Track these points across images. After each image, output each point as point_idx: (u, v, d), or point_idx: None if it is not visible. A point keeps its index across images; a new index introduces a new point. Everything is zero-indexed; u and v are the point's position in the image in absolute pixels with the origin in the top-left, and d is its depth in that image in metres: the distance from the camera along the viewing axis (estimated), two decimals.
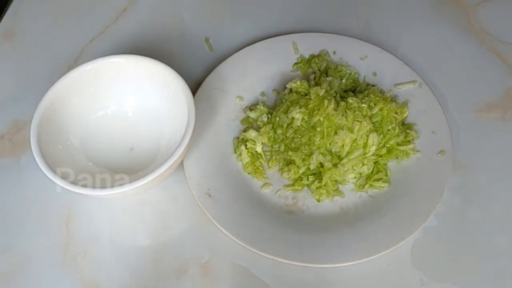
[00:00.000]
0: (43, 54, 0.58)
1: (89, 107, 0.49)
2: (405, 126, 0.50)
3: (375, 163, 0.48)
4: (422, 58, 0.56)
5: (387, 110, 0.48)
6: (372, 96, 0.49)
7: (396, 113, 0.49)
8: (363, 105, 0.48)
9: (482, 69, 0.56)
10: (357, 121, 0.46)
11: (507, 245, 0.45)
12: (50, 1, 0.64)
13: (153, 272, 0.44)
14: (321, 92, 0.48)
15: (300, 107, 0.48)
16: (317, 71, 0.54)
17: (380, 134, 0.48)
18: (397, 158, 0.48)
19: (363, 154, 0.47)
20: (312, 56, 0.55)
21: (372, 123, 0.48)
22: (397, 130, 0.48)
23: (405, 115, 0.50)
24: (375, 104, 0.48)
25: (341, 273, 0.43)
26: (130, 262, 0.45)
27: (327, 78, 0.51)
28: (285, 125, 0.49)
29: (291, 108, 0.49)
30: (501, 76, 0.55)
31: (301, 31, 0.56)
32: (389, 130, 0.48)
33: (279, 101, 0.52)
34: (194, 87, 0.51)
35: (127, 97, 0.50)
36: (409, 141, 0.48)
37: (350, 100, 0.48)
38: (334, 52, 0.55)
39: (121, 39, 0.59)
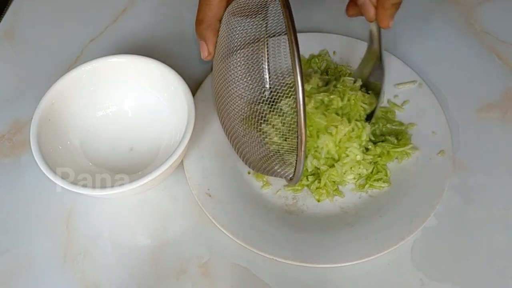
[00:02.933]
0: (43, 54, 0.58)
1: (89, 107, 0.49)
2: (405, 126, 0.50)
3: (374, 163, 0.48)
4: (422, 58, 0.56)
5: (354, 99, 0.47)
6: (341, 86, 0.48)
7: (364, 102, 0.48)
8: (332, 96, 0.47)
9: (482, 69, 0.56)
10: (333, 126, 0.46)
11: (507, 245, 0.45)
12: (50, 1, 0.64)
13: (153, 272, 0.44)
14: (308, 88, 0.48)
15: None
16: (317, 71, 0.54)
17: (352, 129, 0.46)
18: (397, 158, 0.48)
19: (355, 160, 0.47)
20: (312, 56, 0.54)
21: (343, 114, 0.47)
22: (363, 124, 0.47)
23: (373, 106, 0.48)
24: (343, 95, 0.47)
25: (341, 273, 0.43)
26: (130, 262, 0.45)
27: (309, 70, 0.51)
28: None
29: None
30: (501, 76, 0.55)
31: (301, 31, 0.56)
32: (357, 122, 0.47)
33: None
34: (194, 87, 0.51)
35: (127, 97, 0.50)
36: (406, 143, 0.48)
37: (319, 96, 0.47)
38: (334, 52, 0.55)
39: (121, 39, 0.59)
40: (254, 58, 0.41)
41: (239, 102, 0.41)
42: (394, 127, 0.50)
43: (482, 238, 0.45)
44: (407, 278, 0.43)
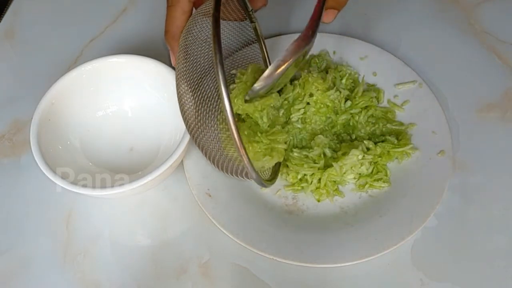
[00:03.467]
0: (43, 54, 0.59)
1: (89, 107, 0.49)
2: (405, 126, 0.50)
3: (375, 163, 0.48)
4: (422, 58, 0.56)
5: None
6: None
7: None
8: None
9: (482, 69, 0.56)
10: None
11: (507, 245, 0.45)
12: (50, 1, 0.64)
13: (153, 272, 0.44)
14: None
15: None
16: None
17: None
18: (397, 158, 0.48)
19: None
20: (312, 56, 0.54)
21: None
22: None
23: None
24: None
25: (341, 273, 0.43)
26: (130, 262, 0.45)
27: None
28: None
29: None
30: (501, 76, 0.55)
31: (301, 31, 0.56)
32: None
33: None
34: None
35: (127, 97, 0.50)
36: (406, 143, 0.48)
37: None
38: (334, 52, 0.55)
39: (121, 39, 0.59)
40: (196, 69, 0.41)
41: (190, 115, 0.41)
42: (394, 127, 0.50)
43: (482, 238, 0.45)
44: (407, 278, 0.43)
